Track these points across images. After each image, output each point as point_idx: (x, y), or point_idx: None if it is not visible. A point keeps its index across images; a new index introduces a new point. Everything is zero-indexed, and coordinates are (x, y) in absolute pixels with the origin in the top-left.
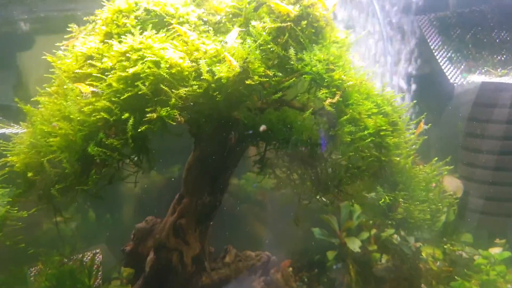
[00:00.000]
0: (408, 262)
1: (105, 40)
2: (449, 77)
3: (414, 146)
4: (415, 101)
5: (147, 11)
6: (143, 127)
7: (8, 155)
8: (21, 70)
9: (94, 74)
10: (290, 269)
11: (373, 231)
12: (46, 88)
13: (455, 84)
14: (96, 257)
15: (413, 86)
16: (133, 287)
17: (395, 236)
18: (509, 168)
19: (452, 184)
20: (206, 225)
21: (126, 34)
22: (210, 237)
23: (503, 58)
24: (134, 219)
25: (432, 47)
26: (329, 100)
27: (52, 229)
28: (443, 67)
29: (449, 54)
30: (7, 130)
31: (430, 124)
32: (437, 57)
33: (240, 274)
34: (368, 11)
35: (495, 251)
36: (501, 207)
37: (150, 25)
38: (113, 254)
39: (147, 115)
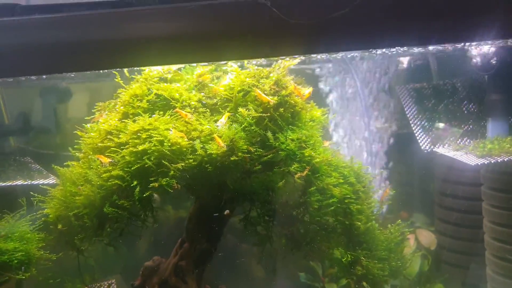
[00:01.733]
0: None
1: (123, 119)
2: (420, 144)
3: (376, 211)
4: (382, 170)
5: (157, 95)
6: (148, 193)
7: (44, 207)
8: (59, 120)
9: (112, 147)
10: None
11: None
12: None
13: (425, 151)
14: (111, 287)
15: (393, 146)
16: None
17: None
18: (475, 225)
19: (427, 238)
20: (203, 267)
21: (139, 115)
22: (207, 276)
23: (469, 128)
24: (147, 252)
25: (408, 115)
26: (298, 174)
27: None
28: (416, 134)
29: (422, 123)
30: (45, 181)
31: (394, 191)
32: (412, 125)
33: None
34: (352, 77)
35: None
36: (471, 260)
37: (159, 107)
38: (126, 285)
39: (151, 184)
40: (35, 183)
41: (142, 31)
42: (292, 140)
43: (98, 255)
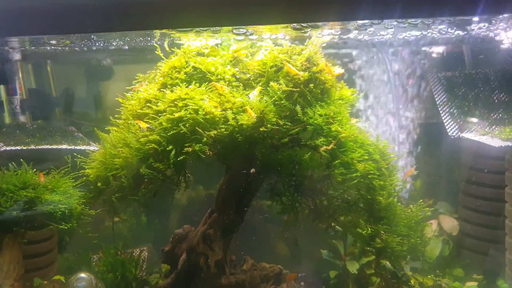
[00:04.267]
0: (395, 286)
1: (161, 89)
2: (448, 130)
3: (398, 188)
4: (407, 151)
5: (194, 68)
6: (182, 157)
7: (86, 167)
8: (101, 97)
9: (150, 114)
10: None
11: (372, 257)
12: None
13: (452, 137)
14: (142, 254)
15: (420, 134)
16: (166, 280)
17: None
18: (498, 212)
19: (450, 224)
20: (229, 237)
21: (176, 86)
22: (233, 248)
23: (498, 116)
24: (178, 225)
25: (437, 102)
26: (324, 147)
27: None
28: (444, 122)
29: (451, 110)
30: (87, 147)
31: (417, 171)
32: (441, 112)
33: (254, 280)
34: (384, 68)
35: (470, 284)
36: (491, 247)
37: (195, 79)
38: (157, 254)
39: (185, 149)
40: (78, 148)
41: None
42: (320, 115)
43: (132, 226)
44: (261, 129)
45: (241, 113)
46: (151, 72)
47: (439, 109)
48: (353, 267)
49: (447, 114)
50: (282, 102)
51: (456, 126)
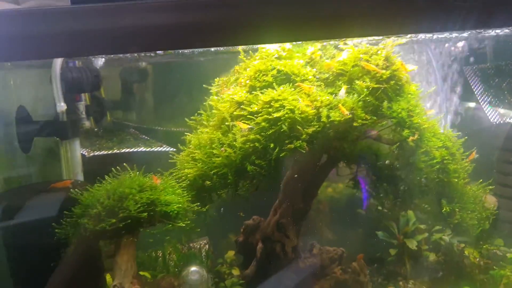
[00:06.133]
0: (456, 258)
1: (252, 92)
2: (489, 118)
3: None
4: (465, 137)
5: (278, 71)
6: (283, 154)
7: (181, 168)
8: (137, 97)
9: (244, 115)
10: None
11: (425, 235)
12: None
13: (494, 123)
14: (206, 246)
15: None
16: (249, 268)
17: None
18: None
19: (489, 201)
20: (300, 224)
21: (265, 88)
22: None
23: None
24: (230, 218)
25: (475, 92)
26: (411, 138)
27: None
28: (484, 109)
29: (489, 99)
30: (160, 149)
31: (477, 155)
32: (480, 101)
33: (324, 263)
34: (427, 66)
35: None
36: None
37: (279, 82)
38: (213, 246)
39: (288, 146)
40: (154, 150)
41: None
42: (403, 109)
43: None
44: (354, 124)
45: (330, 110)
46: (230, 77)
47: (478, 98)
48: (412, 244)
49: (485, 103)
50: (367, 98)
51: (495, 113)
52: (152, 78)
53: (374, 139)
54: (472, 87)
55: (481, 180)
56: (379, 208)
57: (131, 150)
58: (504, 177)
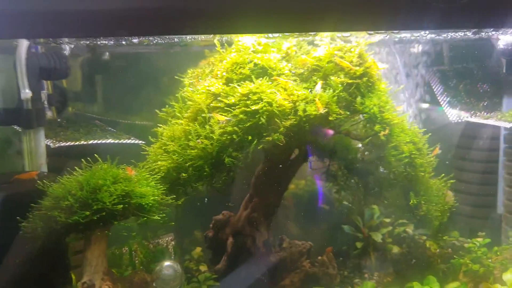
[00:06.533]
0: (420, 249)
1: (229, 84)
2: (449, 117)
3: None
4: (429, 134)
5: (255, 64)
6: (261, 146)
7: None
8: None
9: (220, 107)
10: None
11: (389, 228)
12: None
13: (452, 122)
14: (171, 242)
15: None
16: (220, 263)
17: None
18: (482, 182)
19: (448, 194)
20: (270, 219)
21: (242, 81)
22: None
23: (485, 104)
24: (196, 213)
25: (435, 93)
26: (382, 132)
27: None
28: (445, 109)
29: (448, 99)
30: (128, 141)
31: (440, 151)
32: (440, 101)
33: (293, 256)
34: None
35: (478, 239)
36: (478, 212)
37: (255, 75)
38: (177, 243)
39: (265, 138)
40: (122, 142)
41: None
42: (374, 105)
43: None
44: (330, 118)
45: (306, 105)
46: (203, 69)
47: (439, 98)
48: (378, 237)
49: (445, 103)
50: (341, 94)
51: (455, 113)
52: (115, 70)
53: (344, 134)
54: (433, 87)
55: (443, 174)
56: (344, 202)
57: (99, 141)
58: (459, 172)
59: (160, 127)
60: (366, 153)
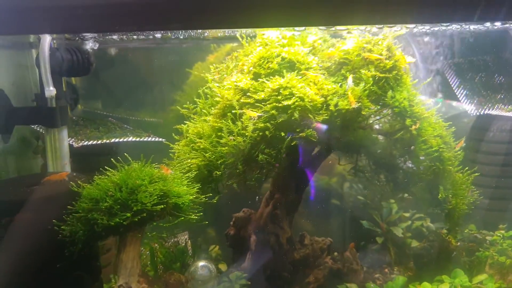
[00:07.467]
0: (443, 243)
1: (257, 79)
2: (466, 109)
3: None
4: (453, 128)
5: (283, 58)
6: (294, 142)
7: (183, 158)
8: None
9: (250, 103)
10: None
11: (408, 222)
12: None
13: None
14: (187, 241)
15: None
16: (246, 261)
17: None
18: (500, 175)
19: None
20: (292, 215)
21: (271, 76)
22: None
23: (501, 97)
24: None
25: (452, 86)
26: (414, 126)
27: None
28: (461, 101)
29: (465, 92)
30: (147, 139)
31: (464, 144)
32: (457, 94)
33: (315, 253)
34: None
35: (501, 232)
36: (496, 204)
37: (283, 69)
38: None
39: (298, 134)
40: (144, 139)
41: None
42: (404, 98)
43: None
44: (362, 112)
45: (336, 99)
46: (228, 64)
47: (455, 91)
48: (398, 232)
49: (463, 96)
50: (372, 88)
51: (473, 105)
52: (123, 65)
53: (370, 129)
54: (449, 80)
55: (467, 168)
56: (359, 197)
57: (122, 140)
58: (475, 165)
59: (186, 123)
60: (393, 147)
